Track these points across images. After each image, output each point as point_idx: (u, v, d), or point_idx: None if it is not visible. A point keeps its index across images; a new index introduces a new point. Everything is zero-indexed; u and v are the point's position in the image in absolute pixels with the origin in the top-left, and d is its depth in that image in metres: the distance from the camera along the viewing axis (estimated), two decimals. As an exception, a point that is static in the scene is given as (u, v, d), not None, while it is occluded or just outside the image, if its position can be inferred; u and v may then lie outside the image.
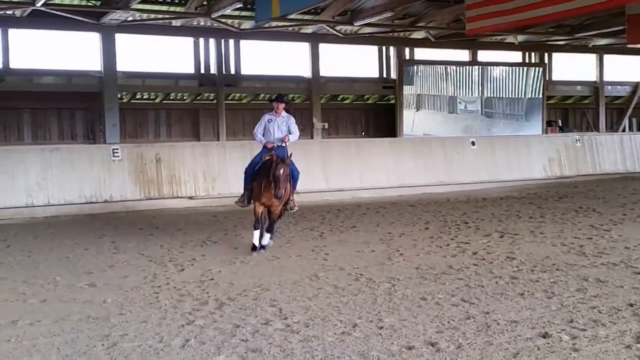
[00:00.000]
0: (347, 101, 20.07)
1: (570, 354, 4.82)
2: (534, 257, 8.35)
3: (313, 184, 16.01)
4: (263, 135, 9.31)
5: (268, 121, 9.35)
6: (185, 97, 18.06)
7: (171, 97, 18.02)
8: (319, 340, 5.22)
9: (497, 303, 6.25)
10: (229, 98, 17.97)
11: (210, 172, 15.22)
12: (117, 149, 14.49)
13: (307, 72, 18.36)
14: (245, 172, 9.33)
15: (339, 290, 6.81)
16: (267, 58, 18.66)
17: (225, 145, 16.21)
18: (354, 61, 19.88)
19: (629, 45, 19.06)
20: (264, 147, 9.23)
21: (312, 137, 17.86)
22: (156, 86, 17.56)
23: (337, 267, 7.98)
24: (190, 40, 17.41)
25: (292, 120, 9.50)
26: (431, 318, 5.78)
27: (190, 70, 17.46)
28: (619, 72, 22.14)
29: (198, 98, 17.99)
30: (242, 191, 9.52)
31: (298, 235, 10.49)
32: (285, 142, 9.24)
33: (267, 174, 8.58)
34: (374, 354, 4.89)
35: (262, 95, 18.80)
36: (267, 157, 8.90)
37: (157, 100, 17.84)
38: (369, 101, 20.22)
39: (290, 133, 9.41)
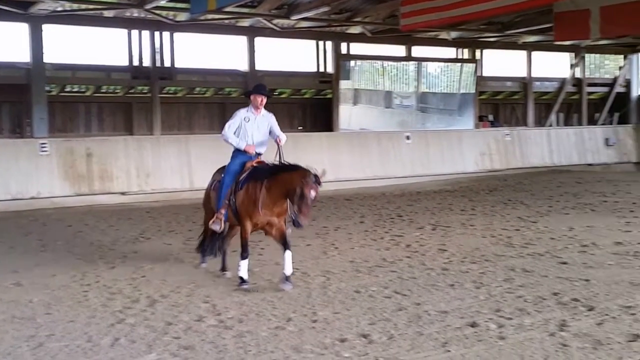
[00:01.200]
0: (284, 95, 20.01)
1: (497, 342, 4.97)
2: (465, 249, 8.57)
3: (250, 178, 15.94)
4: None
5: (244, 120, 7.21)
6: (117, 90, 17.61)
7: (103, 90, 17.52)
8: (252, 336, 5.21)
9: (429, 294, 6.39)
10: (164, 92, 17.63)
11: (144, 168, 14.91)
12: (45, 143, 14.00)
13: (244, 66, 18.20)
14: (221, 184, 7.15)
15: (274, 285, 6.81)
16: (203, 51, 18.37)
17: (160, 140, 15.92)
18: (291, 55, 19.84)
19: (557, 42, 19.76)
20: (240, 152, 7.18)
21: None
22: (87, 78, 17.03)
23: (273, 262, 7.95)
24: (123, 32, 16.98)
25: (274, 119, 7.48)
26: (364, 310, 5.86)
27: (123, 62, 17.03)
28: (546, 69, 22.88)
29: (131, 91, 17.54)
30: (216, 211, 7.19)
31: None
32: (280, 146, 7.32)
33: (260, 186, 6.69)
34: (307, 347, 4.92)
35: (197, 89, 18.53)
36: (253, 164, 7.07)
37: (88, 93, 17.29)
38: (306, 95, 20.22)
39: (277, 135, 7.40)
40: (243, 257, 6.83)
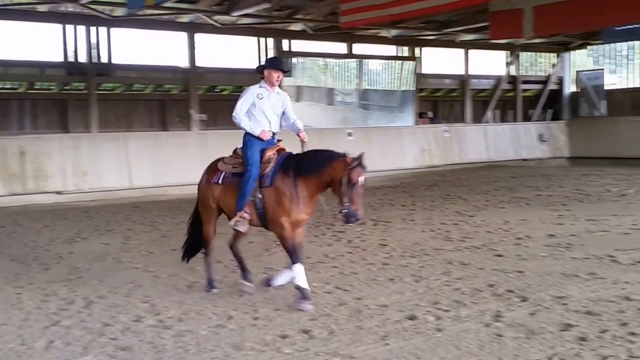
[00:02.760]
0: (226, 92, 19.85)
1: (434, 334, 5.07)
2: (405, 244, 8.70)
3: (190, 176, 15.71)
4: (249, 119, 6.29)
5: (257, 97, 6.24)
6: (52, 87, 17.09)
7: (37, 87, 16.98)
8: (192, 335, 5.16)
9: (369, 289, 6.46)
10: (101, 88, 17.21)
11: (81, 166, 14.55)
12: (-24, 142, 13.50)
13: (184, 63, 17.95)
14: (245, 177, 6.07)
15: (216, 283, 6.74)
16: (142, 47, 18.03)
17: (97, 138, 15.57)
18: (233, 52, 19.68)
19: (492, 41, 20.27)
20: (254, 137, 6.23)
21: (189, 129, 17.51)
22: (20, 75, 16.46)
23: (215, 260, 7.88)
24: (58, 27, 16.47)
25: (289, 99, 6.58)
26: (305, 306, 5.88)
27: (58, 58, 16.53)
28: (483, 66, 23.44)
29: (66, 88, 17.06)
30: (236, 211, 6.12)
31: (174, 229, 10.26)
32: (304, 141, 6.34)
33: (296, 179, 5.91)
34: (248, 345, 4.90)
35: (136, 85, 18.17)
36: (273, 152, 6.18)
37: (20, 90, 16.74)
38: (248, 92, 20.13)
39: (292, 121, 6.46)
40: (295, 262, 5.87)
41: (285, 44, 19.46)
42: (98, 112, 16.33)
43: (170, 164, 15.67)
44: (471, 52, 22.53)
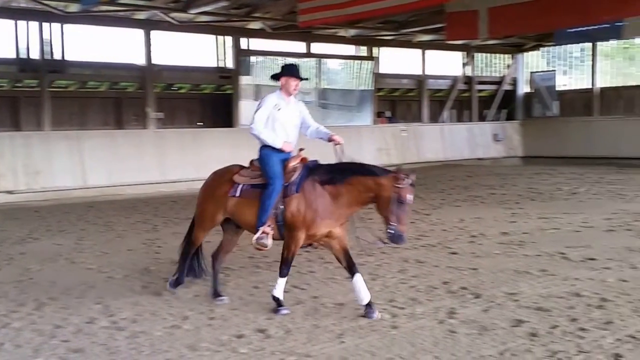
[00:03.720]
0: (182, 91, 19.66)
1: (390, 331, 5.12)
2: (362, 242, 8.73)
3: (147, 175, 15.57)
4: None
5: (275, 108, 5.90)
6: (3, 84, 16.64)
7: (-14, 84, 16.54)
8: (146, 336, 5.10)
9: (326, 287, 6.49)
10: (54, 85, 16.83)
11: (33, 165, 14.20)
12: None
13: (140, 60, 17.68)
14: (269, 189, 5.65)
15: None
16: (97, 44, 17.70)
17: (50, 136, 15.23)
18: (190, 50, 19.49)
19: (449, 42, 20.55)
20: (272, 149, 5.83)
21: (145, 128, 17.26)
22: (-31, 71, 16.05)
23: (170, 260, 7.79)
24: (10, 22, 16.03)
25: (305, 107, 6.24)
26: (262, 306, 5.87)
27: (10, 55, 16.09)
28: (440, 67, 23.74)
29: (18, 85, 16.65)
30: (257, 226, 5.72)
31: (130, 229, 10.13)
32: (340, 143, 6.00)
33: (322, 189, 5.57)
34: (203, 345, 4.87)
35: (91, 83, 17.82)
36: (297, 162, 5.79)
37: (-30, 87, 16.30)
38: (206, 91, 19.96)
39: (315, 127, 6.15)
40: (283, 274, 5.71)
41: (243, 43, 19.36)
42: (51, 110, 15.98)
43: (126, 163, 15.43)
44: (428, 52, 22.80)
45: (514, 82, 24.60)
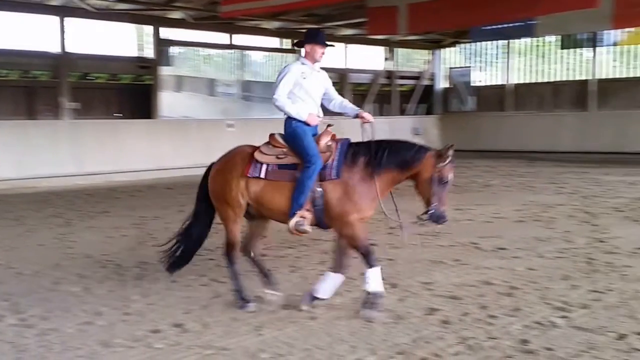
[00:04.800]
0: (100, 80, 19.05)
1: (308, 322, 5.17)
2: (283, 235, 8.66)
3: (61, 168, 15.03)
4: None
5: (301, 76, 5.50)
6: None
7: None
8: (57, 333, 4.94)
9: (245, 280, 6.43)
10: (-40, 73, 15.98)
11: None
12: None
13: (54, 48, 16.98)
14: (307, 170, 5.22)
15: (83, 279, 6.49)
16: (8, 31, 16.87)
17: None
18: (108, 39, 18.88)
19: (370, 36, 20.81)
20: (299, 122, 5.48)
21: (60, 118, 16.61)
22: None
23: (84, 254, 7.59)
24: None
25: (327, 77, 5.81)
26: (180, 300, 5.80)
27: None
28: (363, 61, 24.01)
29: None
30: (293, 210, 5.27)
31: (41, 223, 9.75)
32: (370, 122, 5.74)
33: (370, 171, 5.27)
34: (117, 341, 4.76)
35: (1, 71, 16.98)
36: (328, 140, 5.45)
37: None
38: (124, 81, 19.42)
39: (340, 101, 5.87)
40: (373, 264, 5.20)
41: (164, 33, 18.93)
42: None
43: (39, 155, 14.82)
44: (351, 46, 23.01)
45: (433, 78, 25.20)
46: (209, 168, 5.85)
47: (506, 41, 22.46)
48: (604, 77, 21.11)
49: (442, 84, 25.13)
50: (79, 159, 15.48)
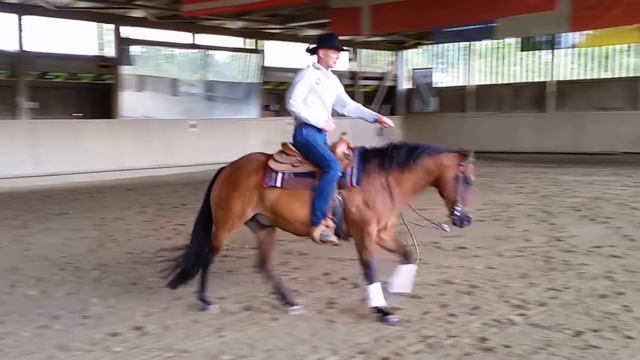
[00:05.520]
0: (59, 80, 18.68)
1: (270, 323, 5.16)
2: (246, 235, 8.54)
3: (19, 168, 14.71)
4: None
5: (316, 82, 5.36)
6: None
7: None
8: (13, 337, 4.83)
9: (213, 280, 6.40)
10: None
11: None
12: None
13: (12, 46, 16.59)
14: (326, 178, 5.12)
15: (41, 282, 6.36)
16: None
17: None
18: (68, 37, 18.53)
19: (334, 38, 20.83)
20: (312, 128, 5.34)
21: (17, 118, 16.24)
22: None
23: (41, 257, 7.44)
24: None
25: (339, 82, 5.72)
26: (140, 302, 5.72)
27: None
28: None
29: None
30: (316, 219, 5.18)
31: (-3, 225, 9.53)
32: (390, 126, 5.61)
33: (386, 176, 5.17)
34: (75, 345, 4.68)
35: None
36: (345, 148, 5.32)
37: None
38: (84, 80, 19.08)
39: (354, 106, 5.78)
40: (372, 280, 5.15)
41: (125, 31, 18.67)
42: None
43: (-5, 155, 14.49)
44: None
45: (396, 79, 25.39)
46: (217, 174, 5.63)
47: (467, 43, 22.77)
48: (562, 79, 21.56)
49: (405, 85, 25.34)
50: (37, 159, 15.17)
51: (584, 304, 5.53)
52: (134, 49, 19.24)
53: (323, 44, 5.45)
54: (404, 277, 5.32)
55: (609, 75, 21.12)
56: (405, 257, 5.36)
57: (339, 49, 5.47)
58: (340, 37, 18.40)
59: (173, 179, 15.51)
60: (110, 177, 15.50)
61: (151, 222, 9.78)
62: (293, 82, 5.38)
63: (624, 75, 20.77)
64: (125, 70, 18.57)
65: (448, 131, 22.45)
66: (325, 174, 5.11)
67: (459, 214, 5.15)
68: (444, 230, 5.32)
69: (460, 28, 18.62)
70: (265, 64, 21.62)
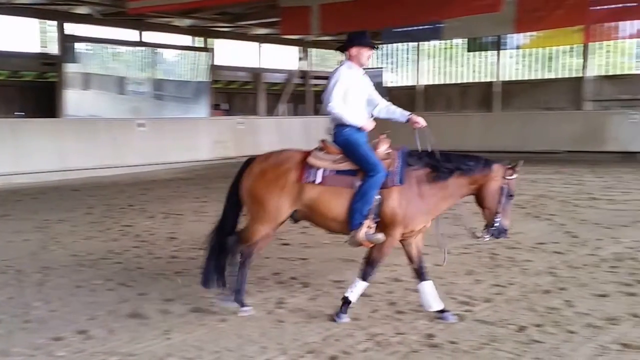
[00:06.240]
0: (0, 77, 18.12)
1: (218, 324, 5.10)
2: (195, 236, 8.58)
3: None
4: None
5: (351, 80, 5.29)
6: None
7: None
8: (-51, 345, 4.64)
9: (155, 283, 6.31)
10: None
11: None
12: None
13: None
14: (376, 178, 5.01)
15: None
16: None
17: None
18: (10, 34, 17.98)
19: (284, 36, 20.85)
20: (350, 129, 5.24)
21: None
22: None
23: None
24: None
25: (369, 80, 5.58)
26: (85, 305, 5.59)
27: None
28: (277, 61, 24.02)
29: None
30: (357, 220, 5.05)
31: None
32: (423, 126, 5.56)
33: (427, 181, 5.11)
34: (16, 350, 4.54)
35: None
36: (387, 148, 5.28)
37: None
38: (27, 78, 18.56)
39: (385, 105, 5.65)
40: (367, 278, 5.15)
41: (69, 28, 18.22)
42: None
43: None
44: (265, 46, 22.97)
45: (347, 78, 25.48)
46: (245, 165, 5.49)
47: (416, 43, 23.07)
48: (507, 79, 22.07)
49: (355, 84, 25.45)
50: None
51: (527, 300, 5.67)
52: (79, 47, 18.83)
53: (355, 41, 5.33)
54: (429, 294, 5.24)
55: (552, 76, 21.74)
56: (418, 273, 5.30)
57: (372, 46, 5.38)
58: (290, 37, 18.40)
59: (120, 180, 15.19)
60: (54, 177, 15.07)
61: (97, 224, 9.56)
62: (329, 83, 5.26)
63: (567, 75, 21.41)
64: (70, 68, 18.15)
65: (397, 130, 22.65)
66: (370, 178, 5.02)
67: (498, 226, 5.11)
68: (482, 238, 5.26)
69: (409, 28, 18.86)
70: (215, 63, 21.43)
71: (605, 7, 14.84)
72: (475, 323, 5.09)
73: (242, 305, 5.31)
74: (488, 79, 22.43)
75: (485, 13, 13.03)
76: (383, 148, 5.22)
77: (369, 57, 5.38)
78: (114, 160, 16.72)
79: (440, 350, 4.55)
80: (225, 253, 5.39)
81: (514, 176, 5.10)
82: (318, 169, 5.14)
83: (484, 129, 21.56)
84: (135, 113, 19.20)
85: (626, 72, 20.52)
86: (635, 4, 14.58)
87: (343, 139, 5.23)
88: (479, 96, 22.60)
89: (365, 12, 13.74)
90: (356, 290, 5.15)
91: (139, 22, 18.91)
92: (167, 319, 5.21)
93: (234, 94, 23.58)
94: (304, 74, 24.18)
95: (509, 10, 13.84)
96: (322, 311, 5.38)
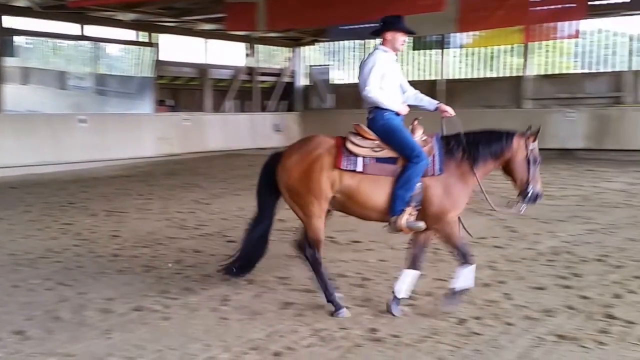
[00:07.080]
0: None
1: (161, 323, 5.05)
2: (138, 234, 8.50)
3: None
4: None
5: (386, 65, 5.30)
6: None
7: None
8: None
9: (95, 282, 6.20)
10: None
11: None
12: None
13: None
14: (419, 166, 5.03)
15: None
16: None
17: None
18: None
19: (230, 32, 20.67)
20: (388, 113, 5.24)
21: None
22: None
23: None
24: None
25: (399, 66, 5.61)
26: (21, 306, 5.45)
27: None
28: (224, 57, 23.78)
29: None
30: (399, 207, 5.07)
31: None
32: (452, 116, 5.49)
33: (470, 164, 5.17)
34: (-53, 354, 4.38)
35: None
36: (422, 134, 5.28)
37: None
38: (-38, 72, 17.84)
39: (413, 93, 5.65)
40: (470, 262, 5.14)
41: (7, 21, 17.59)
42: None
43: None
44: (211, 41, 22.71)
45: (293, 75, 25.50)
46: (273, 160, 5.57)
47: (362, 41, 23.22)
48: (451, 77, 22.45)
49: (302, 81, 25.48)
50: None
51: (468, 293, 5.79)
52: (18, 40, 18.22)
53: (391, 25, 5.31)
54: (408, 283, 5.28)
55: (494, 75, 22.22)
56: (413, 259, 5.31)
57: (408, 31, 5.34)
58: (237, 33, 18.29)
59: (60, 177, 14.80)
60: (-10, 175, 14.58)
61: (36, 222, 9.30)
62: (364, 69, 5.23)
63: (508, 74, 21.92)
64: (8, 62, 17.53)
65: (345, 127, 22.46)
66: (413, 165, 5.01)
67: (532, 192, 5.20)
68: (519, 213, 5.35)
69: (355, 26, 18.98)
70: (160, 58, 21.07)
71: (545, 7, 15.29)
72: (417, 316, 5.19)
73: (338, 307, 5.20)
74: (432, 77, 22.76)
75: (429, 12, 13.24)
76: (419, 134, 5.24)
77: (404, 42, 5.37)
78: (54, 157, 16.27)
79: (383, 344, 4.62)
80: (262, 249, 5.73)
81: (536, 143, 5.21)
82: (357, 156, 5.13)
83: (428, 126, 21.83)
84: (77, 109, 18.69)
85: (564, 71, 21.16)
86: (573, 5, 15.07)
87: (382, 123, 5.21)
88: (424, 94, 22.81)
89: (311, 9, 13.79)
90: (464, 278, 5.15)
91: (80, 15, 18.40)
92: (108, 318, 5.12)
93: (179, 90, 23.23)
94: (250, 71, 24.01)
95: (451, 10, 14.11)
96: (267, 307, 5.39)
